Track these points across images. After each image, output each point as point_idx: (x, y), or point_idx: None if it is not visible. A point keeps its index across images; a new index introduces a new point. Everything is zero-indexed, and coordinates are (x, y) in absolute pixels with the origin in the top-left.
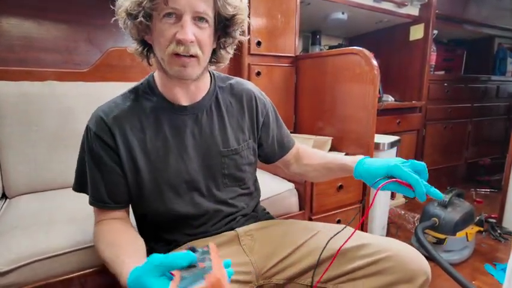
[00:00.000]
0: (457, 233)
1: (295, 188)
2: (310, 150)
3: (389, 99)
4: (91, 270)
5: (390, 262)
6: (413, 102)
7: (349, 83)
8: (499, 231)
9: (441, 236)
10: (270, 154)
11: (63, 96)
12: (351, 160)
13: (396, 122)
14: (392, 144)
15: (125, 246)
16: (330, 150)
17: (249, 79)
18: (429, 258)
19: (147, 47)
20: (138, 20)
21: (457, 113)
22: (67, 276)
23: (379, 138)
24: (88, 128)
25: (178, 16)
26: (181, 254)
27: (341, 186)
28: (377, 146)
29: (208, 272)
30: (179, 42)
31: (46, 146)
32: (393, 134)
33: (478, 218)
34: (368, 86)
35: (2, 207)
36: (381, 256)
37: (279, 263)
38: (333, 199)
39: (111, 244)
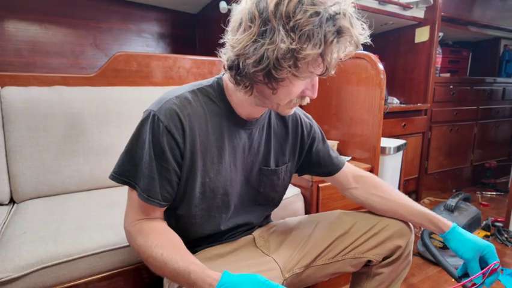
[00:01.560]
0: None
1: (301, 193)
2: (382, 183)
3: (394, 101)
4: (98, 276)
5: (385, 223)
6: (419, 104)
7: (355, 86)
8: (505, 235)
9: None
10: (317, 173)
11: (71, 101)
12: (442, 218)
13: (402, 125)
14: (398, 148)
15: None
16: None
17: None
18: (435, 263)
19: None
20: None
21: (463, 115)
22: (75, 283)
23: (385, 142)
24: (156, 119)
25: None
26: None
27: None
28: (383, 150)
29: None
30: (304, 98)
31: (54, 150)
32: (398, 137)
33: (484, 222)
34: (374, 89)
35: (10, 212)
36: (379, 223)
37: (296, 254)
38: (339, 203)
39: (179, 251)
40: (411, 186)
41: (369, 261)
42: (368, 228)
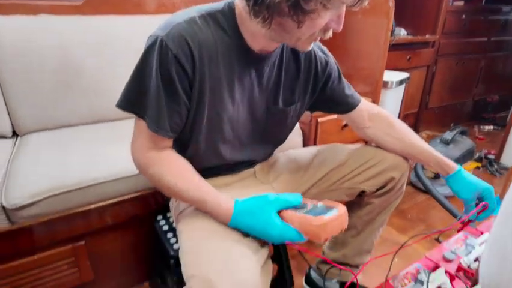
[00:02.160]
0: None
1: (300, 127)
2: (395, 122)
3: (402, 32)
4: (108, 202)
5: (382, 156)
6: (427, 36)
7: (362, 16)
8: (495, 166)
9: None
10: (331, 111)
11: (59, 32)
12: (450, 162)
13: (407, 58)
14: (400, 82)
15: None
16: None
17: None
18: (426, 191)
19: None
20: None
21: (471, 48)
22: (86, 208)
23: (388, 76)
24: (163, 46)
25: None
26: (291, 195)
27: (346, 125)
28: (385, 84)
29: (330, 209)
30: (327, 31)
31: (50, 85)
32: (402, 70)
33: (477, 154)
34: (381, 19)
35: (15, 145)
36: (376, 156)
37: (293, 183)
38: (336, 137)
39: (192, 181)
40: (410, 121)
41: (363, 191)
42: (365, 161)
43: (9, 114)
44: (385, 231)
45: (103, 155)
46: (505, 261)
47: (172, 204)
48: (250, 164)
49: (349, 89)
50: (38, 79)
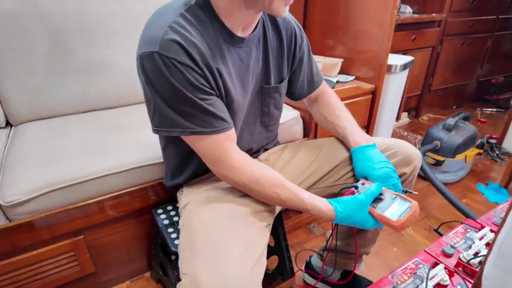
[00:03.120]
0: (457, 156)
1: (300, 116)
2: (332, 101)
3: (407, 10)
4: (106, 196)
5: (394, 149)
6: (433, 15)
7: None
8: (497, 152)
9: (441, 158)
10: (300, 91)
11: (50, 15)
12: (354, 141)
13: (412, 39)
14: (404, 66)
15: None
16: (340, 73)
17: None
18: (425, 178)
19: None
20: None
21: (479, 27)
22: (83, 203)
23: (391, 59)
24: (165, 59)
25: None
26: (375, 187)
27: None
28: (389, 68)
29: (405, 202)
30: None
31: (42, 71)
32: (406, 52)
33: (479, 140)
34: None
35: (9, 136)
36: (388, 148)
37: (300, 175)
38: None
39: (291, 190)
40: (413, 103)
41: None
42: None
43: (1, 103)
44: None
45: (99, 146)
46: (509, 277)
47: (178, 197)
48: (251, 153)
49: (317, 65)
50: (30, 64)
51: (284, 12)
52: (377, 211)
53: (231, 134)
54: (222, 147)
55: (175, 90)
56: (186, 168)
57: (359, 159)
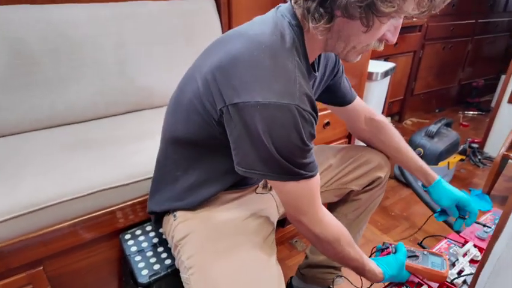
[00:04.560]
0: (440, 163)
1: None
2: (390, 131)
3: None
4: (66, 224)
5: (367, 155)
6: (414, 20)
7: None
8: (479, 156)
9: None
10: (329, 101)
11: (10, 23)
12: (432, 172)
13: (393, 44)
14: (386, 73)
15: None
16: None
17: None
18: (408, 185)
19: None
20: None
21: (459, 31)
22: (40, 232)
23: (372, 66)
24: (304, 112)
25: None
26: (402, 249)
27: (327, 123)
28: (370, 76)
29: (437, 256)
30: (382, 42)
31: (1, 84)
32: (388, 57)
33: (462, 146)
34: None
35: None
36: (361, 156)
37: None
38: (319, 136)
39: (356, 250)
40: (396, 108)
41: (351, 190)
42: (352, 161)
43: None
44: (368, 232)
45: (63, 167)
46: None
47: (169, 224)
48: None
49: (348, 84)
50: None
51: (357, 60)
52: (421, 266)
53: (319, 181)
54: (312, 194)
55: (297, 143)
56: (203, 189)
57: (448, 189)
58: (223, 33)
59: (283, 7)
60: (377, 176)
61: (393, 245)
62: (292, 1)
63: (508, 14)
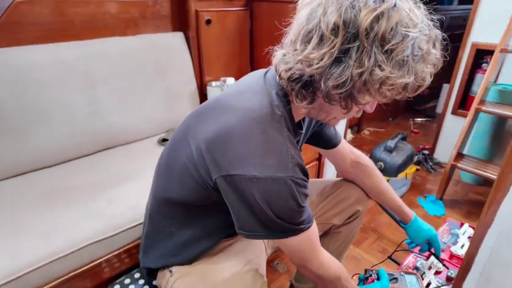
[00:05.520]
0: (399, 175)
1: None
2: (375, 174)
3: None
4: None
5: (347, 191)
6: None
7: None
8: (430, 163)
9: (386, 178)
10: (316, 144)
11: None
12: (409, 211)
13: None
14: None
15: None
16: None
17: (197, 30)
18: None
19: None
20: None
21: None
22: None
23: None
24: (298, 180)
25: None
26: (384, 274)
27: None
28: None
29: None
30: (359, 112)
31: None
32: None
33: (416, 157)
34: None
35: None
36: (341, 191)
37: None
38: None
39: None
40: (354, 120)
41: (333, 224)
42: (331, 197)
43: None
44: None
45: (35, 225)
46: None
47: (165, 279)
48: None
49: (334, 128)
50: None
51: (336, 124)
52: None
53: (316, 227)
54: (312, 242)
55: (294, 207)
56: (198, 244)
57: (421, 228)
58: (193, 66)
59: (271, 76)
60: (356, 209)
61: (374, 271)
62: (277, 77)
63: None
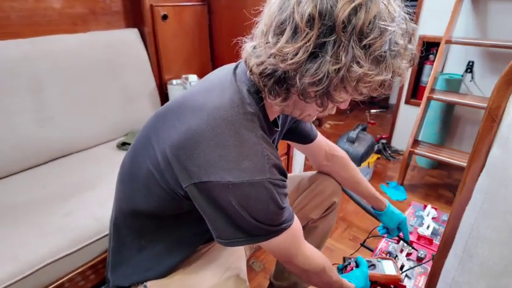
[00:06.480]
0: (362, 164)
1: None
2: (349, 165)
3: None
4: None
5: (321, 186)
6: None
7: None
8: (389, 151)
9: None
10: (293, 140)
11: None
12: (383, 199)
13: None
14: None
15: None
16: None
17: (153, 26)
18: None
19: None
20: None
21: None
22: None
23: None
24: (276, 181)
25: None
26: (363, 263)
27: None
28: None
29: (386, 259)
30: (334, 108)
31: None
32: None
33: (376, 146)
34: None
35: None
36: (317, 184)
37: None
38: None
39: (336, 273)
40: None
41: (310, 219)
42: (307, 192)
43: None
44: None
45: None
46: None
47: None
48: None
49: (310, 124)
50: None
51: (311, 121)
52: (380, 273)
53: (298, 222)
54: (296, 238)
55: (275, 210)
56: (172, 256)
57: (394, 215)
58: (151, 64)
59: (241, 71)
60: (332, 201)
61: (352, 259)
62: (248, 73)
63: None
